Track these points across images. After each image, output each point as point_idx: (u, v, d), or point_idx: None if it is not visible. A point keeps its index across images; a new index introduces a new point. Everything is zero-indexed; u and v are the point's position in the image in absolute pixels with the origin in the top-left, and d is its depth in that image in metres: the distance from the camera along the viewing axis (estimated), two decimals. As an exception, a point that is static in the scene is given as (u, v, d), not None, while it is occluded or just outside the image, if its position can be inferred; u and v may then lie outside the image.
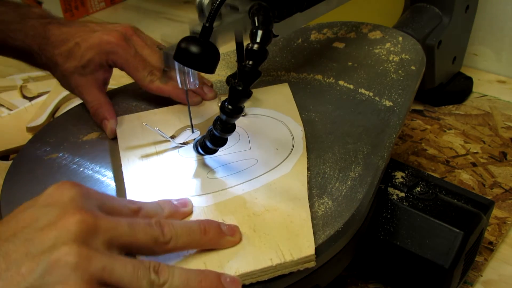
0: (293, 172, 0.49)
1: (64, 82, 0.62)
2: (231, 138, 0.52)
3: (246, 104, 0.59)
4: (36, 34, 0.61)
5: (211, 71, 0.46)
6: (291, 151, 0.52)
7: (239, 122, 0.56)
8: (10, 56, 0.67)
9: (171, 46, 0.50)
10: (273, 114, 0.58)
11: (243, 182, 0.49)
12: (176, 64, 0.50)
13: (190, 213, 0.45)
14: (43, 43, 0.61)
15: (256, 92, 0.62)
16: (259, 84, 0.64)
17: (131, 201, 0.42)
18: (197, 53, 0.45)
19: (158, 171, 0.51)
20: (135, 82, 0.62)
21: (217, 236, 0.41)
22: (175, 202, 0.45)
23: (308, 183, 0.49)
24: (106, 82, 0.62)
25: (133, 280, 0.35)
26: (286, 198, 0.46)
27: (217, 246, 0.41)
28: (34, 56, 0.62)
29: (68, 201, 0.37)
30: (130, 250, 0.38)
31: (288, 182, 0.48)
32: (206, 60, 0.46)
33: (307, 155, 0.52)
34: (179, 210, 0.45)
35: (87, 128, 0.60)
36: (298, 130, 0.55)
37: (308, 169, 0.50)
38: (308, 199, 0.47)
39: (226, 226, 0.42)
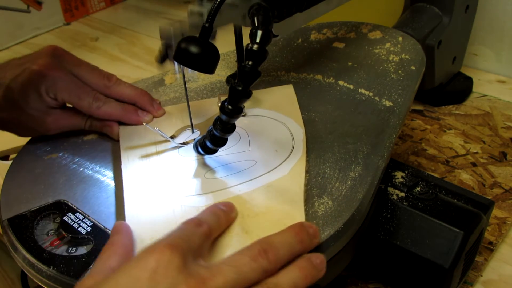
0: (291, 174, 0.49)
1: (27, 132, 0.56)
2: (231, 139, 0.52)
3: (248, 105, 0.59)
4: None
5: (211, 71, 0.46)
6: (291, 153, 0.52)
7: (240, 122, 0.56)
8: None
9: (170, 22, 0.50)
10: (275, 115, 0.58)
11: (241, 183, 0.49)
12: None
13: (236, 217, 0.45)
14: None
15: (260, 93, 0.62)
16: (263, 84, 0.65)
17: (197, 223, 0.40)
18: (197, 53, 0.45)
19: (158, 171, 0.51)
20: (79, 110, 0.56)
21: (309, 242, 0.41)
22: (222, 207, 0.44)
23: (308, 183, 0.49)
24: (64, 103, 0.56)
25: None
26: (282, 201, 0.46)
27: (309, 249, 0.42)
28: None
29: (176, 274, 0.35)
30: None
31: (285, 184, 0.48)
32: (206, 60, 0.46)
33: (307, 157, 0.52)
34: (230, 216, 0.44)
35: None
36: (299, 132, 0.55)
37: (307, 171, 0.50)
38: (308, 199, 0.47)
39: (311, 228, 0.42)
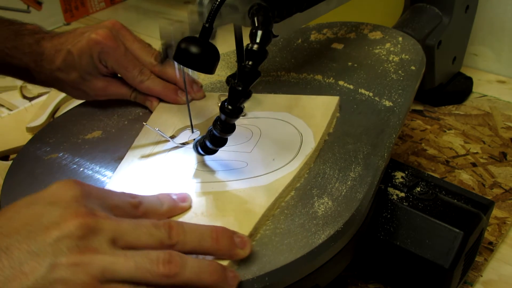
0: (267, 187, 0.48)
1: (77, 93, 0.61)
2: (241, 136, 0.53)
3: (282, 109, 0.58)
4: (31, 52, 0.60)
5: (211, 71, 0.46)
6: (284, 165, 0.50)
7: (261, 123, 0.56)
8: (10, 75, 0.65)
9: (170, 22, 0.50)
10: (299, 124, 0.56)
11: (217, 181, 0.49)
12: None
13: (189, 208, 0.45)
14: (39, 61, 0.60)
15: (300, 99, 0.60)
16: (263, 84, 0.64)
17: (131, 195, 0.42)
18: (196, 53, 0.45)
19: (157, 171, 0.51)
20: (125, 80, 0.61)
21: (228, 247, 0.40)
22: (174, 197, 0.45)
23: (308, 183, 0.49)
24: (115, 72, 0.61)
25: (138, 276, 0.35)
26: (241, 209, 0.45)
27: (228, 257, 0.40)
28: (33, 74, 0.61)
29: (71, 200, 0.37)
30: (135, 249, 0.37)
31: (257, 194, 0.47)
32: (206, 60, 0.46)
33: (306, 172, 0.50)
34: (177, 205, 0.45)
35: (87, 128, 0.60)
36: (309, 147, 0.52)
37: (296, 188, 0.49)
38: (308, 199, 0.47)
39: (239, 238, 0.41)
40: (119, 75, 0.61)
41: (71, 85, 0.60)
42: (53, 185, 0.38)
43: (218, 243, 0.39)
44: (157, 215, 0.43)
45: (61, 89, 0.63)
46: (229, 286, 0.38)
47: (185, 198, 0.45)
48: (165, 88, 0.60)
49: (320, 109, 0.57)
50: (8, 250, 0.34)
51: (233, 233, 0.41)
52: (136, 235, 0.37)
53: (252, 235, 0.43)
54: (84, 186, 0.39)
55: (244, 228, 0.43)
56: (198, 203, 0.46)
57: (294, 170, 0.49)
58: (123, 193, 0.42)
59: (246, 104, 0.59)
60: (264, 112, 0.58)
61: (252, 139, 0.54)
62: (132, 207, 0.41)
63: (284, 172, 0.49)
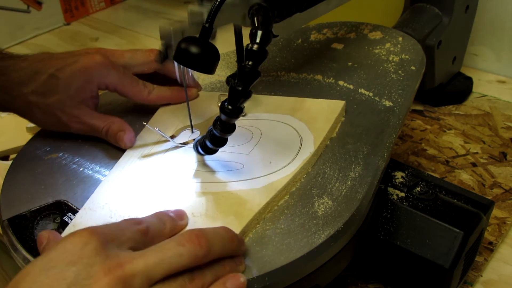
0: (260, 190, 0.47)
1: (49, 119, 0.57)
2: (241, 137, 0.53)
3: (285, 111, 0.58)
4: None
5: (211, 71, 0.46)
6: (280, 169, 0.50)
7: (262, 125, 0.56)
8: None
9: (170, 22, 0.50)
10: (300, 127, 0.55)
11: (212, 182, 0.49)
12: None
13: (186, 225, 0.45)
14: (0, 82, 0.55)
15: (304, 102, 0.59)
16: (263, 84, 0.64)
17: (136, 221, 0.41)
18: (196, 53, 0.45)
19: (157, 171, 0.51)
20: (129, 98, 0.60)
21: (238, 244, 0.41)
22: (171, 214, 0.44)
23: (308, 183, 0.49)
24: (97, 106, 0.59)
25: None
26: (231, 211, 0.45)
27: (236, 254, 0.41)
28: None
29: (92, 255, 0.35)
30: (172, 273, 0.37)
31: (249, 196, 0.47)
32: (206, 60, 0.46)
33: (303, 177, 0.50)
34: (177, 223, 0.44)
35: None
36: (307, 151, 0.52)
37: (290, 193, 0.48)
38: (308, 199, 0.47)
39: (239, 235, 0.42)
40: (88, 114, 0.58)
41: (45, 110, 0.56)
42: (66, 242, 0.36)
43: (233, 242, 0.40)
44: (163, 237, 0.42)
45: (27, 114, 0.58)
46: (240, 267, 0.41)
47: (182, 216, 0.45)
48: (173, 91, 0.61)
49: (324, 113, 0.57)
50: None
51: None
52: (167, 264, 0.36)
53: None
54: (98, 234, 0.36)
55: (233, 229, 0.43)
56: (190, 205, 0.46)
57: (289, 174, 0.49)
58: (127, 222, 0.40)
59: (250, 105, 0.59)
60: (267, 114, 0.58)
61: (252, 141, 0.54)
62: (142, 235, 0.39)
63: (279, 175, 0.49)
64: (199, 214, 0.45)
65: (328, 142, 0.54)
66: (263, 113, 0.59)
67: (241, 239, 0.42)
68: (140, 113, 0.61)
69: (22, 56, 0.58)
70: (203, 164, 0.51)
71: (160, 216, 0.43)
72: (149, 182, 0.50)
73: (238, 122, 0.54)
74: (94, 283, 0.33)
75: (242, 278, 0.39)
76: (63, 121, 0.56)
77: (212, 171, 0.50)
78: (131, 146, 0.55)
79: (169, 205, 0.46)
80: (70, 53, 0.58)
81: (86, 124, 0.56)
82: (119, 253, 0.36)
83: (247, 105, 0.59)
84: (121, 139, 0.55)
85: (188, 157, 0.53)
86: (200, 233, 0.38)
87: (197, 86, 0.63)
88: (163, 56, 0.53)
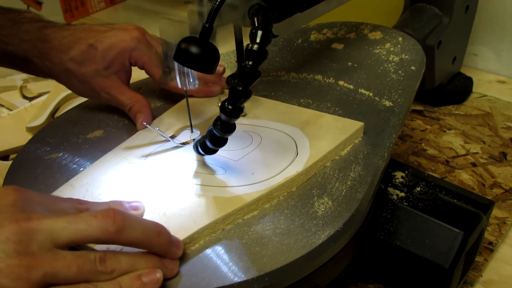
0: (227, 200, 0.46)
1: (83, 87, 0.60)
2: (239, 142, 0.53)
3: (297, 124, 0.56)
4: (32, 39, 0.59)
5: (211, 71, 0.46)
6: (256, 183, 0.48)
7: (268, 134, 0.54)
8: (6, 65, 0.63)
9: (170, 46, 0.50)
10: (302, 143, 0.53)
11: (190, 183, 0.49)
12: (176, 64, 0.51)
13: (141, 212, 0.45)
14: (43, 48, 0.59)
15: (323, 117, 0.57)
16: (263, 84, 0.64)
17: (79, 201, 0.41)
18: (196, 53, 0.45)
19: (157, 171, 0.51)
20: (153, 79, 0.62)
21: (167, 243, 0.40)
22: (126, 205, 0.44)
23: (308, 183, 0.49)
24: (128, 81, 0.61)
25: (79, 277, 0.36)
26: (187, 214, 0.45)
27: (163, 254, 0.40)
28: (32, 62, 0.60)
29: (7, 205, 0.36)
30: (78, 244, 0.37)
31: (210, 205, 0.46)
32: (206, 60, 0.46)
33: (278, 195, 0.48)
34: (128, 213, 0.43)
35: (87, 128, 0.60)
36: (293, 170, 0.49)
37: (258, 208, 0.47)
38: (308, 199, 0.47)
39: (174, 237, 0.41)
40: (147, 75, 0.62)
41: (80, 78, 0.59)
42: None
43: (159, 238, 0.39)
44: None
45: (65, 80, 0.61)
46: (168, 270, 0.39)
47: (137, 207, 0.45)
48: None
49: (334, 132, 0.54)
50: None
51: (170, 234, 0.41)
52: (73, 228, 0.36)
53: (185, 243, 0.42)
54: (25, 193, 0.38)
55: (180, 233, 0.42)
56: (156, 202, 0.46)
57: (262, 190, 0.47)
58: (69, 199, 0.41)
59: (268, 110, 0.59)
60: (277, 124, 0.57)
61: (247, 148, 0.53)
62: (77, 212, 0.40)
63: (252, 189, 0.47)
64: (158, 212, 0.45)
65: (329, 164, 0.52)
66: (273, 121, 0.57)
67: (175, 240, 0.41)
68: (168, 102, 0.63)
69: (64, 26, 0.61)
70: (200, 165, 0.51)
71: (111, 204, 0.43)
72: (150, 182, 0.50)
73: (245, 126, 0.53)
74: None
75: (159, 274, 0.38)
76: (95, 90, 0.59)
77: (194, 171, 0.50)
78: (143, 128, 0.57)
79: (138, 199, 0.46)
80: (109, 26, 0.61)
81: (114, 98, 0.59)
82: (34, 211, 0.37)
83: (262, 108, 0.59)
84: (137, 120, 0.58)
85: (188, 157, 0.53)
86: (118, 212, 0.38)
87: (221, 82, 0.64)
88: (166, 77, 0.54)
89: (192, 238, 0.43)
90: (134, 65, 0.61)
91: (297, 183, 0.49)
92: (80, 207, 0.41)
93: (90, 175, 0.50)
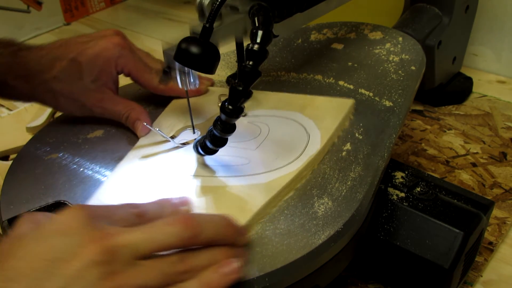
0: (266, 185, 0.48)
1: (73, 105, 0.58)
2: (249, 133, 0.54)
3: (295, 109, 0.58)
4: (7, 62, 0.56)
5: (211, 71, 0.46)
6: (285, 165, 0.50)
7: (270, 121, 0.56)
8: None
9: (171, 46, 0.50)
10: (309, 124, 0.56)
11: (216, 176, 0.49)
12: (177, 64, 0.51)
13: (189, 212, 0.45)
14: (21, 71, 0.56)
15: (313, 100, 0.59)
16: (263, 84, 0.64)
17: (133, 205, 0.41)
18: (197, 53, 0.45)
19: (158, 171, 0.51)
20: (140, 85, 0.61)
21: (236, 232, 0.41)
22: (175, 201, 0.44)
23: (308, 183, 0.49)
24: (117, 89, 0.60)
25: (164, 282, 0.36)
26: (234, 205, 0.46)
27: (235, 242, 0.41)
28: (10, 86, 0.57)
29: (81, 227, 0.36)
30: (159, 252, 0.37)
31: (254, 192, 0.47)
32: (206, 60, 0.46)
33: (309, 173, 0.50)
34: (179, 210, 0.44)
35: (87, 128, 0.60)
36: (314, 148, 0.52)
37: (292, 189, 0.49)
38: (308, 199, 0.47)
39: (239, 225, 0.42)
40: (133, 81, 0.61)
41: (68, 96, 0.57)
42: (58, 215, 0.37)
43: (228, 229, 0.40)
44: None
45: (51, 102, 0.58)
46: (240, 258, 0.40)
47: (185, 202, 0.45)
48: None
49: (332, 111, 0.57)
50: None
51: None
52: (152, 239, 0.36)
53: None
54: (88, 208, 0.38)
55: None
56: (197, 199, 0.47)
57: (294, 170, 0.49)
58: (124, 205, 0.41)
59: (259, 101, 0.60)
60: (276, 111, 0.59)
61: (259, 137, 0.55)
62: (136, 218, 0.40)
63: (284, 171, 0.49)
64: (204, 208, 0.45)
65: (336, 140, 0.54)
66: (272, 109, 0.59)
67: (241, 229, 0.42)
68: (158, 105, 0.62)
69: (39, 46, 0.58)
70: (207, 160, 0.51)
71: (161, 202, 0.43)
72: (149, 182, 0.50)
73: (247, 118, 0.54)
74: (81, 251, 0.34)
75: (236, 264, 0.39)
76: (87, 106, 0.58)
77: (217, 166, 0.51)
78: (145, 134, 0.56)
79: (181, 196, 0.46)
80: (87, 36, 0.59)
81: (108, 110, 0.58)
82: (107, 227, 0.37)
83: (256, 100, 0.60)
84: (137, 128, 0.56)
85: (189, 157, 0.53)
86: (190, 216, 0.38)
87: (198, 91, 0.63)
88: (167, 78, 0.53)
89: (246, 227, 0.44)
90: (120, 73, 0.59)
91: (318, 161, 0.52)
92: (136, 212, 0.40)
93: (105, 195, 0.49)
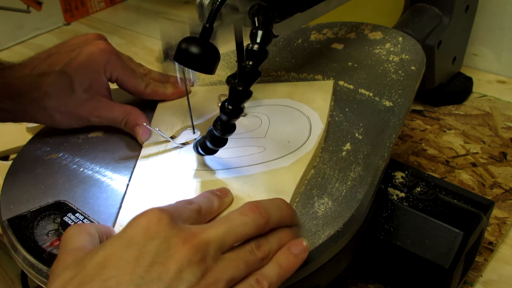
0: (290, 167, 0.50)
1: (68, 119, 0.56)
2: (251, 123, 0.55)
3: (283, 95, 0.60)
4: None
5: (211, 71, 0.46)
6: (301, 146, 0.52)
7: (268, 109, 0.58)
8: None
9: (169, 44, 0.50)
10: (302, 107, 0.58)
11: (242, 166, 0.50)
12: (176, 64, 0.51)
13: (232, 200, 0.46)
14: (7, 94, 0.54)
15: (298, 85, 0.63)
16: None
17: (189, 202, 0.42)
18: (197, 53, 0.45)
19: (157, 171, 0.51)
20: (128, 90, 0.60)
21: (293, 213, 0.43)
22: (217, 193, 0.46)
23: (308, 183, 0.49)
24: (110, 95, 0.59)
25: (248, 271, 0.37)
26: (272, 189, 0.47)
27: (292, 223, 0.42)
28: None
29: (167, 229, 0.36)
30: (241, 242, 0.38)
31: (281, 175, 0.49)
32: (206, 60, 0.46)
33: (320, 152, 0.53)
34: (224, 200, 0.45)
35: (87, 128, 0.60)
36: (318, 128, 0.55)
37: (315, 166, 0.51)
38: (308, 199, 0.47)
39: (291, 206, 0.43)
40: (119, 87, 0.60)
41: (62, 110, 0.55)
42: (139, 220, 0.37)
43: (289, 210, 0.42)
44: (213, 214, 0.44)
45: (46, 119, 0.57)
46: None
47: (227, 192, 0.46)
48: (169, 88, 0.62)
49: (318, 93, 0.60)
50: None
51: None
52: (234, 232, 0.38)
53: None
54: (167, 211, 0.38)
55: None
56: (235, 189, 0.47)
57: (311, 149, 0.51)
58: (182, 202, 0.42)
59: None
60: (267, 100, 0.60)
61: (263, 125, 0.56)
62: (197, 214, 0.41)
63: (302, 152, 0.51)
64: (242, 197, 0.46)
65: (330, 119, 0.57)
66: (262, 99, 0.60)
67: (294, 210, 0.43)
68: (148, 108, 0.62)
69: (21, 63, 0.56)
70: (227, 152, 0.52)
71: (207, 196, 0.45)
72: (154, 183, 0.50)
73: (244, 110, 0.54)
74: (175, 253, 0.35)
75: (305, 242, 0.41)
76: (83, 117, 0.56)
77: (235, 157, 0.52)
78: (147, 138, 0.55)
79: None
80: (69, 45, 0.57)
81: (105, 118, 0.57)
82: (189, 227, 0.38)
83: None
84: (137, 133, 0.55)
85: (189, 157, 0.53)
86: (258, 204, 0.40)
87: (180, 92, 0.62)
88: (164, 56, 0.53)
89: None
90: (109, 79, 0.58)
91: (324, 139, 0.54)
92: (196, 208, 0.41)
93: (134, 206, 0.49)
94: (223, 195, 0.46)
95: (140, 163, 0.53)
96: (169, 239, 0.36)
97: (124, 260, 0.35)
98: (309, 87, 0.62)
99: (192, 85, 0.60)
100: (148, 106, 0.62)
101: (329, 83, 0.62)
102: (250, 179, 0.49)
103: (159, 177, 0.50)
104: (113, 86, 0.61)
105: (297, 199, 0.47)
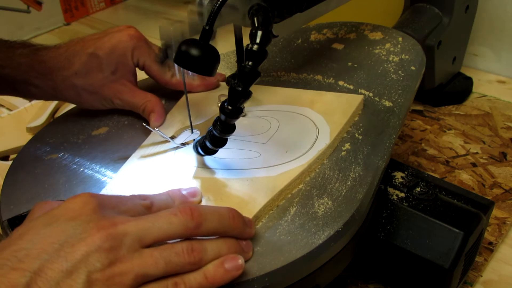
0: (275, 178, 0.48)
1: (94, 99, 0.59)
2: (259, 127, 0.55)
3: (304, 104, 0.59)
4: (29, 61, 0.58)
5: (211, 73, 0.46)
6: (296, 158, 0.51)
7: (281, 115, 0.58)
8: (5, 92, 0.61)
9: (169, 40, 0.50)
10: (318, 119, 0.57)
11: (229, 169, 0.50)
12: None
13: (199, 202, 0.46)
14: (42, 69, 0.58)
15: (323, 95, 0.60)
16: (263, 85, 0.64)
17: (141, 197, 0.42)
18: (197, 56, 0.45)
19: (157, 171, 0.51)
20: (154, 78, 0.62)
21: (242, 225, 0.42)
22: (184, 192, 0.45)
23: (308, 184, 0.49)
24: (136, 81, 0.61)
25: (167, 271, 0.37)
26: (245, 197, 0.47)
27: (240, 235, 0.42)
28: (33, 85, 0.59)
29: (90, 213, 0.37)
30: (163, 241, 0.38)
31: (262, 184, 0.48)
32: (206, 63, 0.46)
33: (316, 167, 0.51)
34: (188, 200, 0.45)
35: (87, 128, 0.60)
36: (323, 143, 0.53)
37: (304, 182, 0.50)
38: (308, 199, 0.47)
39: (246, 217, 0.43)
40: (147, 75, 0.62)
41: (89, 90, 0.58)
42: (68, 201, 0.38)
43: (234, 221, 0.41)
44: None
45: (74, 97, 0.60)
46: (246, 253, 0.41)
47: (195, 193, 0.46)
48: (196, 79, 0.62)
49: (342, 106, 0.58)
50: (41, 272, 0.34)
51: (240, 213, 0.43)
52: (157, 228, 0.37)
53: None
54: (98, 197, 0.39)
55: (245, 214, 0.44)
56: (205, 191, 0.47)
57: (304, 164, 0.50)
58: (133, 196, 0.42)
59: (269, 96, 0.61)
60: (285, 106, 0.59)
61: (269, 131, 0.55)
62: (145, 209, 0.41)
63: (294, 165, 0.50)
64: (214, 201, 0.46)
65: (345, 135, 0.55)
66: (281, 104, 0.60)
67: (248, 221, 0.43)
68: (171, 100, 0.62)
69: (56, 45, 0.60)
70: (220, 153, 0.51)
71: (170, 193, 0.44)
72: (153, 183, 0.50)
73: (257, 113, 0.56)
74: (87, 237, 0.35)
75: (241, 260, 0.39)
76: (107, 98, 0.59)
77: (228, 159, 0.51)
78: (158, 126, 0.57)
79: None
80: (102, 32, 0.60)
81: (127, 102, 0.59)
82: (115, 216, 0.38)
83: (266, 95, 0.61)
84: (150, 119, 0.58)
85: (189, 157, 0.53)
86: (194, 207, 0.39)
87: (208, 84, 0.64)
88: (163, 56, 0.53)
89: (256, 218, 0.45)
90: (136, 65, 0.60)
91: (326, 155, 0.52)
92: (145, 203, 0.41)
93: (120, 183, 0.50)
94: (189, 196, 0.45)
95: (130, 160, 0.53)
96: (87, 223, 0.36)
97: (39, 235, 0.36)
98: (335, 98, 0.59)
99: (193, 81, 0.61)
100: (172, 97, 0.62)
101: (358, 97, 0.59)
102: (232, 182, 0.48)
103: (144, 174, 0.51)
104: (144, 76, 0.63)
105: (271, 212, 0.46)
